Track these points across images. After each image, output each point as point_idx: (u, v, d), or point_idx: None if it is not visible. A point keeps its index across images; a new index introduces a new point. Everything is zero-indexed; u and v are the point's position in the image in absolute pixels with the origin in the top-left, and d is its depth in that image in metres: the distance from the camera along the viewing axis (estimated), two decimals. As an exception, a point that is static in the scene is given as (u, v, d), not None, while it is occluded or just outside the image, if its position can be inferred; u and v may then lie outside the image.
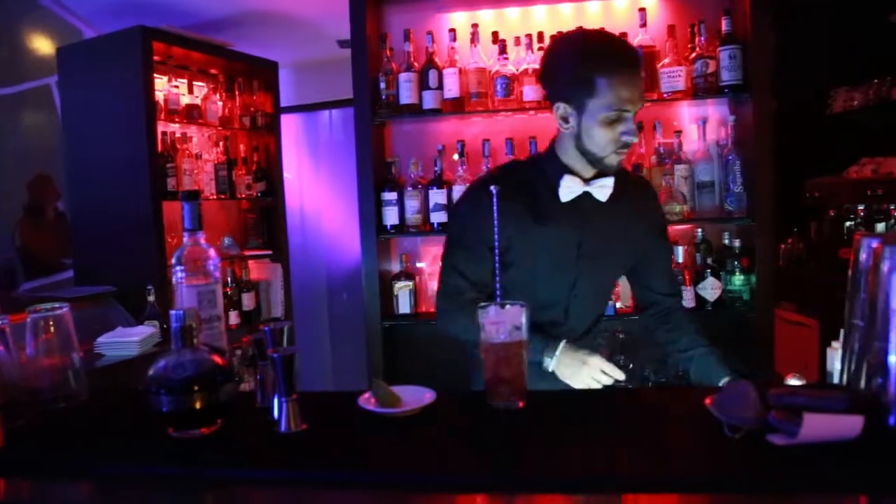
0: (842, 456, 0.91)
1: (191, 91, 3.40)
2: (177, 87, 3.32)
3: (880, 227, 3.13)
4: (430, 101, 2.73)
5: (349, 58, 2.77)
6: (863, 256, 1.08)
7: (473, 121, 2.88)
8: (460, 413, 1.19)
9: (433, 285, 2.97)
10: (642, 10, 2.64)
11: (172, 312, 1.10)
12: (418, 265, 2.98)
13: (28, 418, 1.21)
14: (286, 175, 3.96)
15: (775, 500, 0.89)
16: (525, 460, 0.99)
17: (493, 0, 2.84)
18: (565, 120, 1.55)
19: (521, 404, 1.16)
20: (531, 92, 2.66)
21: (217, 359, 1.12)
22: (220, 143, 3.58)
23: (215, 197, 3.50)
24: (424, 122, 2.91)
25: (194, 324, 1.11)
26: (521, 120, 2.84)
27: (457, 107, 2.74)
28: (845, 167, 3.69)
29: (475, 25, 2.73)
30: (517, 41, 2.73)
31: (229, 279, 3.50)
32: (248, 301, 3.57)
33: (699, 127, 2.71)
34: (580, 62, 1.50)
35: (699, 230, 2.67)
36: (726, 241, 2.67)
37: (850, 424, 0.93)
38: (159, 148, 3.09)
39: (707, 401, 1.04)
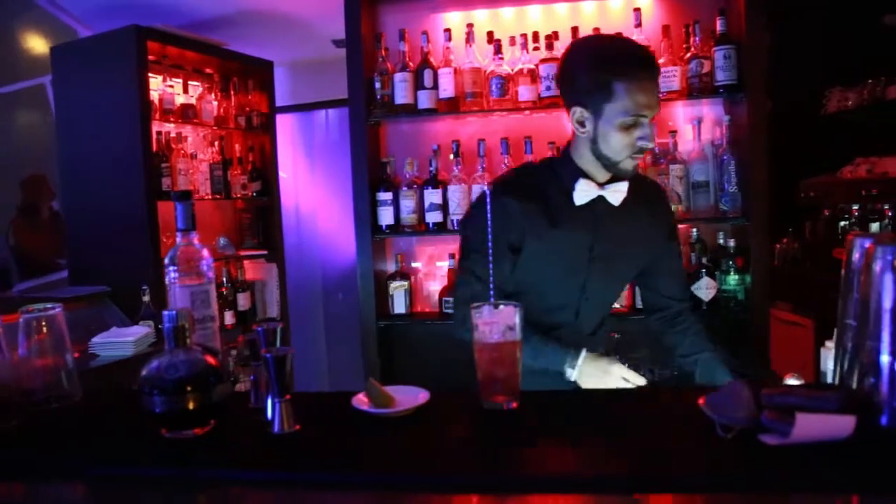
0: (834, 456, 0.91)
1: (186, 91, 3.40)
2: (172, 86, 3.31)
3: (875, 226, 3.14)
4: (425, 100, 2.73)
5: (344, 57, 2.77)
6: (855, 256, 1.08)
7: (468, 121, 2.88)
8: (454, 413, 1.19)
9: (428, 285, 2.98)
10: (637, 10, 2.64)
11: (165, 313, 1.10)
12: (413, 265, 2.98)
13: (21, 419, 1.20)
14: (282, 175, 3.95)
15: (767, 500, 0.89)
16: (519, 461, 0.99)
17: (488, 0, 2.84)
18: (581, 124, 1.55)
19: (514, 405, 1.16)
20: (526, 92, 2.66)
21: (210, 359, 1.11)
22: (216, 143, 3.57)
23: (210, 197, 3.49)
24: (419, 121, 2.91)
25: (187, 324, 1.11)
26: (517, 120, 2.84)
27: (452, 107, 2.74)
28: (840, 167, 3.70)
29: (470, 25, 2.73)
30: (512, 41, 2.73)
31: (225, 279, 3.50)
32: (243, 301, 3.57)
33: (694, 127, 2.71)
34: (599, 67, 1.50)
35: (694, 230, 2.68)
36: (721, 241, 2.68)
37: (842, 424, 0.93)
38: (154, 148, 3.09)
39: (700, 400, 1.04)
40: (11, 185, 3.45)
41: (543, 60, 2.65)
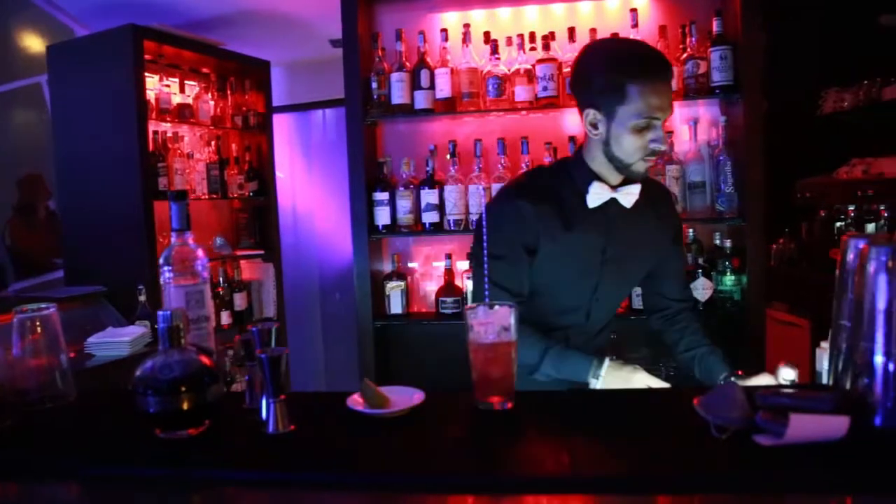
0: (828, 456, 0.91)
1: (182, 90, 3.40)
2: (168, 86, 3.31)
3: (870, 227, 3.14)
4: (421, 100, 2.73)
5: (341, 57, 2.77)
6: (850, 257, 1.09)
7: (465, 121, 2.88)
8: (449, 414, 1.18)
9: (425, 285, 2.98)
10: (634, 10, 2.64)
11: (160, 313, 1.10)
12: (410, 265, 2.98)
13: (15, 419, 1.20)
14: (278, 174, 3.95)
15: (762, 500, 0.89)
16: (514, 461, 0.99)
17: (484, 0, 2.84)
18: (594, 126, 1.55)
19: (510, 405, 1.16)
20: (523, 92, 2.66)
21: (205, 359, 1.11)
22: (212, 143, 3.57)
23: (207, 197, 3.49)
24: (416, 121, 2.91)
25: (182, 324, 1.10)
26: (513, 120, 2.84)
27: (448, 107, 2.74)
28: (836, 168, 3.71)
29: (467, 25, 2.73)
30: (509, 41, 2.73)
31: (221, 279, 3.49)
32: (239, 301, 3.57)
33: (690, 127, 2.71)
34: (612, 69, 1.50)
35: (690, 230, 2.68)
36: (717, 242, 2.68)
37: (836, 425, 0.93)
38: (150, 147, 3.08)
39: (695, 401, 1.04)
40: (8, 184, 3.45)
41: (540, 61, 2.65)
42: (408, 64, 2.75)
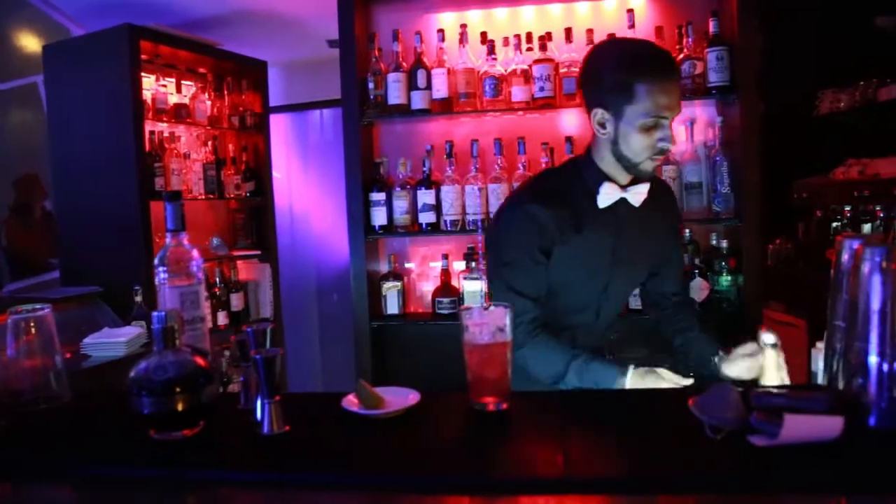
0: (822, 457, 0.91)
1: (179, 90, 3.39)
2: (165, 86, 3.30)
3: (866, 227, 3.15)
4: (418, 101, 2.73)
5: (338, 58, 2.77)
6: (844, 257, 1.09)
7: (462, 121, 2.88)
8: (444, 414, 1.18)
9: (422, 286, 2.98)
10: (630, 11, 2.64)
11: (154, 314, 1.10)
12: (406, 265, 2.98)
13: (9, 420, 1.20)
14: (275, 175, 3.94)
15: (756, 501, 0.89)
16: (508, 462, 0.99)
17: (481, 0, 2.84)
18: (602, 126, 1.56)
19: (504, 406, 1.16)
20: (519, 92, 2.66)
21: (199, 360, 1.11)
22: (209, 143, 3.56)
23: (204, 197, 3.49)
24: (413, 122, 2.91)
25: (176, 325, 1.10)
26: (510, 120, 2.84)
27: (445, 107, 2.74)
28: (832, 168, 3.71)
29: (464, 26, 2.73)
30: (506, 41, 2.73)
31: (218, 279, 3.49)
32: (236, 301, 3.56)
33: (687, 128, 2.72)
34: (621, 69, 1.50)
35: (687, 231, 2.68)
36: (714, 242, 2.69)
37: (830, 425, 0.93)
38: (147, 147, 3.08)
39: (689, 402, 1.04)
40: (4, 184, 3.44)
41: (537, 61, 2.65)
42: (404, 64, 2.75)
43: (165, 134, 3.29)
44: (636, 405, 1.25)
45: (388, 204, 2.78)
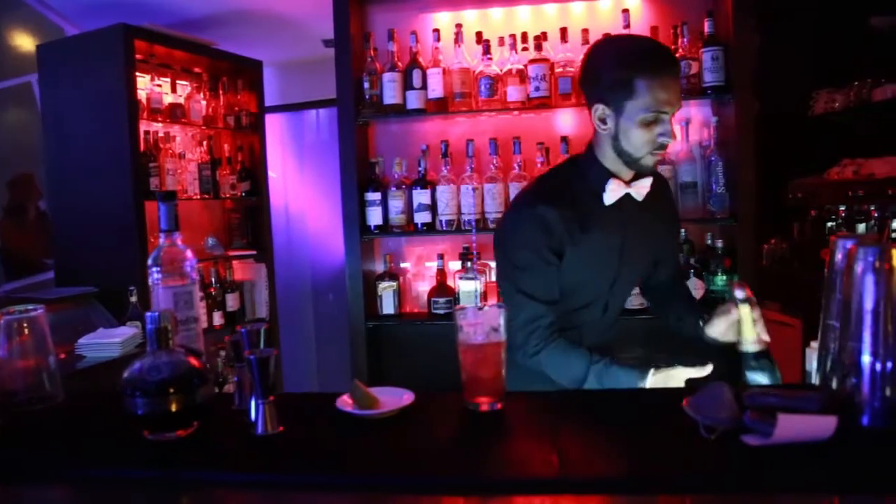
0: (816, 456, 0.92)
1: (174, 90, 3.38)
2: (160, 85, 3.30)
3: (861, 227, 3.16)
4: (413, 101, 2.72)
5: (334, 57, 2.77)
6: (838, 257, 1.09)
7: (457, 121, 2.88)
8: (439, 414, 1.18)
9: (417, 286, 2.97)
10: (626, 11, 2.65)
11: (148, 314, 1.09)
12: (402, 265, 2.98)
13: (2, 421, 1.20)
14: (271, 174, 3.94)
15: (749, 500, 0.90)
16: (502, 462, 0.99)
17: (477, 0, 2.84)
18: (603, 121, 1.56)
19: (499, 406, 1.16)
20: (515, 92, 2.66)
21: (193, 361, 1.11)
22: (204, 143, 3.55)
23: (199, 197, 3.48)
24: (408, 122, 2.91)
25: (170, 326, 1.10)
26: (505, 120, 2.84)
27: (441, 107, 2.74)
28: (827, 168, 3.72)
29: (459, 25, 2.73)
30: (501, 41, 2.73)
31: (213, 279, 3.48)
32: (232, 301, 3.55)
33: (682, 128, 2.72)
34: (620, 64, 1.51)
35: (682, 231, 2.69)
36: (709, 242, 2.69)
37: (823, 425, 0.93)
38: (142, 147, 3.07)
39: (684, 402, 1.04)
40: (-2, 184, 3.43)
41: (532, 61, 2.65)
42: (400, 64, 2.75)
43: (160, 134, 3.29)
44: (630, 405, 1.25)
45: (384, 204, 2.78)
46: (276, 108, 4.51)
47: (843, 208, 3.33)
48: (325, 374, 4.73)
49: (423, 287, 2.94)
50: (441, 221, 2.73)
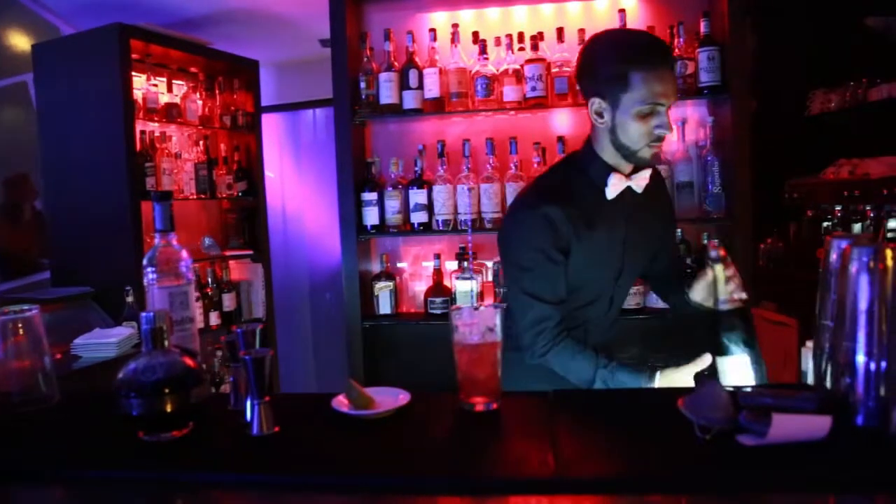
0: (810, 456, 0.92)
1: (170, 90, 3.38)
2: (156, 85, 3.29)
3: (857, 227, 3.16)
4: (410, 100, 2.72)
5: (330, 57, 2.77)
6: (833, 257, 1.10)
7: (454, 121, 2.88)
8: (434, 415, 1.18)
9: (414, 286, 2.97)
10: (622, 11, 2.65)
11: (143, 314, 1.09)
12: (399, 265, 2.98)
13: (-3, 421, 1.20)
14: (268, 174, 3.93)
15: (745, 499, 0.90)
16: (498, 462, 0.99)
17: (473, 0, 2.84)
18: (600, 115, 1.57)
19: (495, 405, 1.16)
20: (511, 92, 2.67)
21: (189, 361, 1.11)
22: (201, 143, 3.55)
23: (195, 197, 3.47)
24: (405, 121, 2.91)
25: (165, 326, 1.10)
26: (502, 120, 2.84)
27: (437, 107, 2.74)
28: (823, 168, 3.72)
29: (455, 25, 2.73)
30: (497, 41, 2.73)
31: (210, 279, 3.48)
32: (228, 301, 3.55)
33: (678, 128, 2.72)
34: (614, 58, 1.52)
35: (678, 230, 2.69)
36: (705, 242, 2.69)
37: (818, 424, 0.93)
38: (138, 147, 3.06)
39: (679, 402, 1.04)
40: (-6, 184, 3.42)
41: (528, 61, 2.66)
42: (396, 64, 2.75)
43: (156, 133, 3.28)
44: (626, 405, 1.25)
45: (380, 204, 2.78)
46: (272, 108, 4.50)
47: (838, 208, 3.34)
48: (321, 374, 4.72)
49: (420, 287, 2.95)
50: (437, 221, 2.73)
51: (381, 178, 2.83)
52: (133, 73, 3.06)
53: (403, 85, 2.73)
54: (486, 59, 2.70)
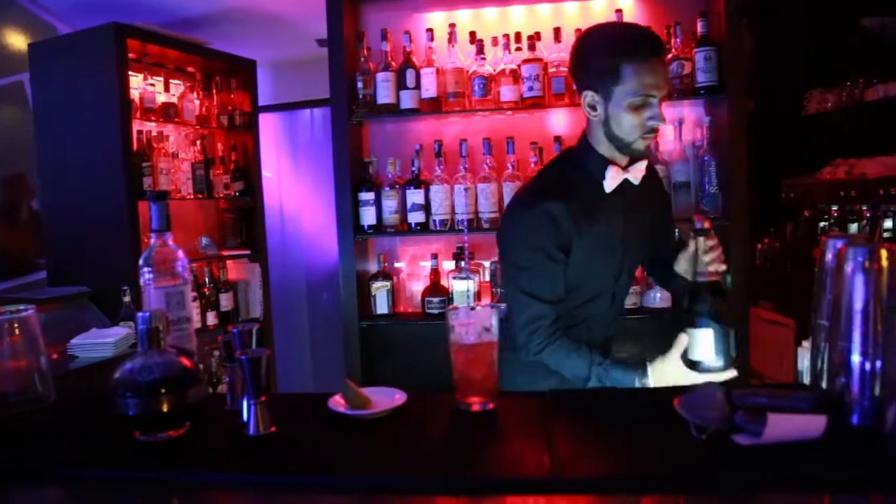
0: (805, 455, 0.92)
1: (167, 89, 3.37)
2: (153, 84, 3.29)
3: (853, 227, 3.17)
4: (407, 100, 2.72)
5: (327, 57, 2.76)
6: (828, 257, 1.10)
7: (451, 121, 2.88)
8: (431, 414, 1.19)
9: (411, 285, 2.97)
10: (619, 11, 2.66)
11: (139, 314, 1.09)
12: (396, 265, 2.98)
13: (-7, 422, 1.19)
14: (265, 174, 3.93)
15: (740, 499, 0.90)
16: (494, 462, 0.99)
17: (470, 0, 2.84)
18: (593, 108, 1.58)
19: (491, 405, 1.16)
20: (508, 92, 2.67)
21: (185, 361, 1.11)
22: (198, 142, 3.54)
23: (192, 197, 3.47)
24: (402, 121, 2.91)
25: (161, 326, 1.10)
26: (499, 120, 2.84)
27: (434, 107, 2.74)
28: (820, 168, 3.74)
29: (452, 25, 2.73)
30: (494, 41, 2.73)
31: (207, 279, 3.47)
32: (226, 301, 3.55)
33: (675, 128, 2.73)
34: (606, 51, 1.53)
35: (675, 230, 2.68)
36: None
37: (813, 424, 0.94)
38: (135, 147, 3.06)
39: (675, 401, 1.04)
40: (-10, 183, 3.42)
41: (526, 61, 2.66)
42: (393, 64, 2.75)
43: (153, 133, 3.27)
44: (623, 405, 1.25)
45: (378, 203, 2.78)
46: (269, 108, 4.50)
47: (835, 208, 3.35)
48: (319, 373, 4.72)
49: (417, 287, 2.95)
50: (435, 221, 2.73)
51: (378, 178, 2.83)
52: (130, 73, 3.05)
53: (400, 85, 2.73)
54: (484, 59, 2.70)
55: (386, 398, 1.18)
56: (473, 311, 1.18)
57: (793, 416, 0.95)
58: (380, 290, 2.83)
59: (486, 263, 2.84)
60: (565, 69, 2.62)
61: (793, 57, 3.97)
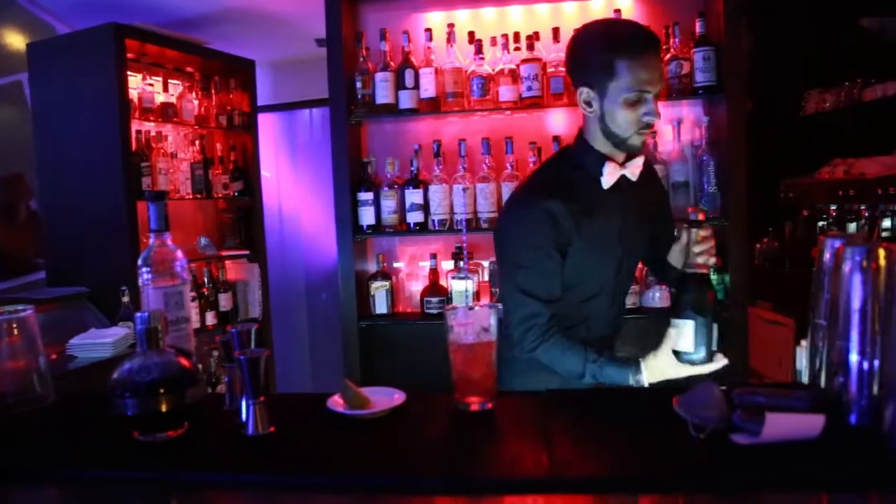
0: (804, 455, 0.92)
1: (166, 89, 3.37)
2: (151, 84, 3.28)
3: (852, 227, 3.18)
4: (406, 100, 2.72)
5: (326, 57, 2.76)
6: (826, 257, 1.10)
7: (450, 120, 2.88)
8: (429, 414, 1.19)
9: (410, 285, 2.97)
10: (617, 11, 2.66)
11: (137, 315, 1.09)
12: (395, 265, 2.98)
13: (-9, 422, 1.19)
14: (264, 174, 3.93)
15: (739, 498, 0.90)
16: (492, 462, 0.99)
17: (469, 0, 2.84)
18: (588, 104, 1.58)
19: (490, 405, 1.17)
20: (507, 92, 2.67)
21: (184, 361, 1.11)
22: (197, 142, 3.54)
23: (191, 197, 3.47)
24: (401, 121, 2.91)
25: (160, 326, 1.10)
26: (498, 120, 2.84)
27: (433, 107, 2.74)
28: (818, 168, 3.74)
29: (451, 25, 2.73)
30: (493, 41, 2.73)
31: (206, 279, 3.47)
32: (224, 301, 3.55)
33: (674, 128, 2.73)
34: (600, 47, 1.53)
35: (675, 231, 2.69)
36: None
37: (811, 423, 0.94)
38: (133, 147, 3.06)
39: (673, 401, 1.05)
40: (-11, 184, 3.41)
41: (524, 61, 2.66)
42: (392, 64, 2.75)
43: (152, 133, 3.27)
44: (621, 404, 1.25)
45: (376, 203, 2.78)
46: (268, 108, 4.50)
47: (834, 208, 3.35)
48: (318, 374, 4.72)
49: (416, 287, 2.95)
50: (433, 221, 2.73)
51: (377, 178, 2.83)
52: (129, 73, 3.05)
53: (399, 85, 2.73)
54: (482, 58, 2.70)
55: (385, 398, 1.18)
56: (472, 311, 1.18)
57: (791, 416, 0.95)
58: (379, 290, 2.83)
59: (485, 263, 2.84)
60: (564, 69, 2.62)
61: (791, 57, 3.97)
